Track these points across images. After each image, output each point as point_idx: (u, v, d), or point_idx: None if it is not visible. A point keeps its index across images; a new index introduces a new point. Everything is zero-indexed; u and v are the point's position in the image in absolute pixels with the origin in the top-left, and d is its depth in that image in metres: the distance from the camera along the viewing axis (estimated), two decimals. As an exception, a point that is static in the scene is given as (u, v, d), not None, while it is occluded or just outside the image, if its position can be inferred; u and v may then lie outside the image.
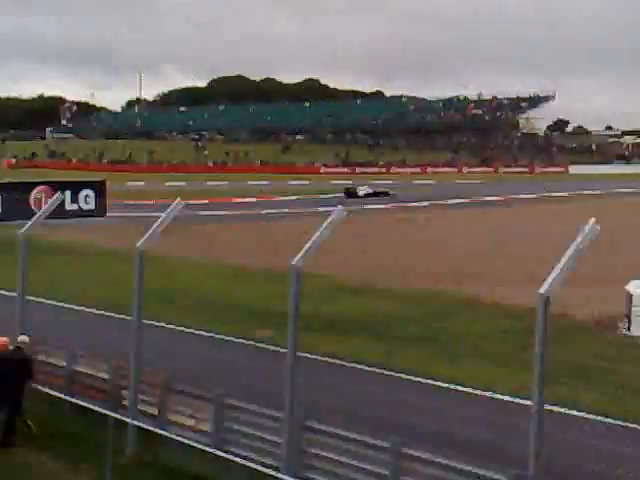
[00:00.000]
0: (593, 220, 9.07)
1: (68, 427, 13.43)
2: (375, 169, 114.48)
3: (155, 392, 13.30)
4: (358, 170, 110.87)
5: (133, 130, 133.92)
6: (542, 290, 8.88)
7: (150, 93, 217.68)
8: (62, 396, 14.20)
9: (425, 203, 62.08)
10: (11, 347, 13.55)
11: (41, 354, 14.93)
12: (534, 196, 70.77)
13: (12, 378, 13.05)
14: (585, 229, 9.09)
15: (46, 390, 14.24)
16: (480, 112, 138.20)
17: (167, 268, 27.72)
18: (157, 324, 19.43)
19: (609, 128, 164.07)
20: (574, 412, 14.26)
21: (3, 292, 21.64)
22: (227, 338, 19.55)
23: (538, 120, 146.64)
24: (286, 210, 54.80)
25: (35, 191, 42.32)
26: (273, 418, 11.74)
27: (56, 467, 12.11)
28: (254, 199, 64.17)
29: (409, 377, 16.26)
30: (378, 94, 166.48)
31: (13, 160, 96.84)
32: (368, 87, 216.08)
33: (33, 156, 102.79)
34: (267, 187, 79.75)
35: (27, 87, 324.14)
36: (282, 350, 16.64)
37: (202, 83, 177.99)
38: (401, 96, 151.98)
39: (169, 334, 19.83)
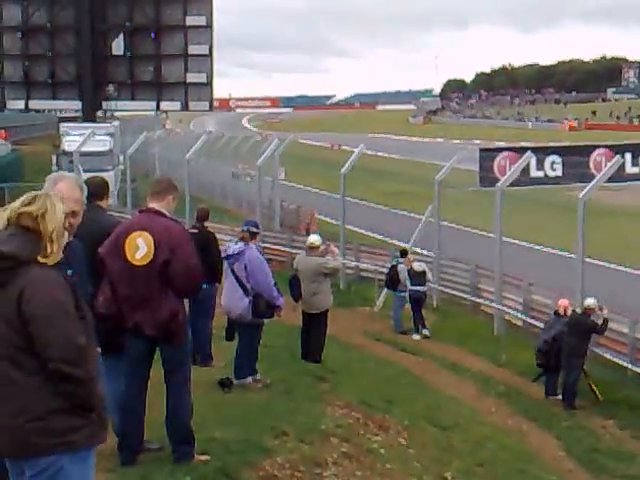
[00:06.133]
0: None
1: (631, 396, 13.38)
2: None
3: None
4: None
5: None
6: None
7: None
8: (624, 363, 14.12)
9: None
10: (577, 310, 13.79)
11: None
12: None
13: (578, 343, 13.27)
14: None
15: (608, 356, 14.29)
16: None
17: None
18: None
19: None
20: None
21: (562, 253, 22.08)
22: None
23: None
24: None
25: (595, 154, 42.32)
26: None
27: (623, 435, 12.16)
28: None
29: None
30: None
31: (575, 122, 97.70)
32: None
33: (594, 114, 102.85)
34: None
35: (588, 49, 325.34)
36: None
37: None
38: None
39: None
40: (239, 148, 37.19)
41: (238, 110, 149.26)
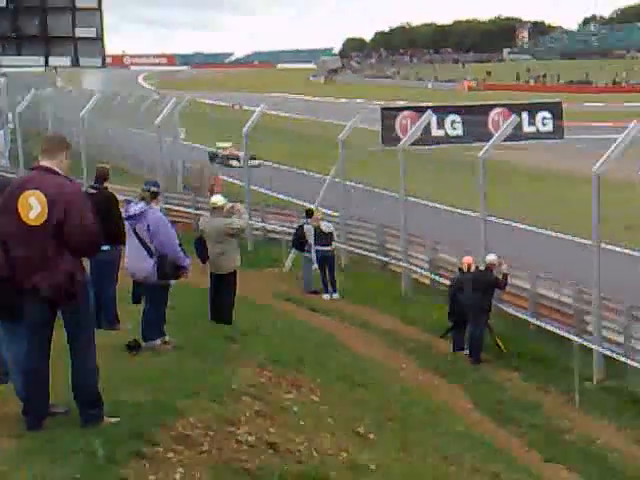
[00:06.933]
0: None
1: (533, 349, 13.73)
2: None
3: (619, 319, 12.97)
4: None
5: (589, 49, 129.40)
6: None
7: (607, 10, 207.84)
8: (527, 317, 14.46)
9: None
10: (480, 267, 14.03)
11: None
12: None
13: (482, 298, 13.55)
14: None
15: (511, 310, 14.60)
16: None
17: (625, 192, 26.49)
18: (617, 249, 18.80)
19: None
20: None
21: (463, 212, 22.43)
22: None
23: None
24: None
25: (493, 113, 42.92)
26: None
27: (527, 386, 12.48)
28: None
29: None
30: None
31: (473, 82, 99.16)
32: None
33: (489, 75, 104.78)
34: None
35: (484, 8, 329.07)
36: None
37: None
38: None
39: (630, 260, 19.07)
40: (136, 107, 36.31)
41: (133, 67, 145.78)
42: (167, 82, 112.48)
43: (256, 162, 32.43)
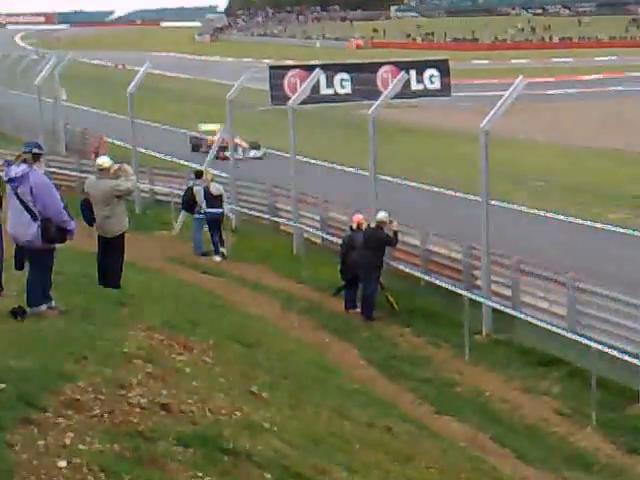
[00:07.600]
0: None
1: (425, 305, 13.96)
2: None
3: (507, 274, 13.29)
4: None
5: (475, 6, 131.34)
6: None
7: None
8: (418, 274, 14.65)
9: None
10: (371, 224, 14.10)
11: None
12: None
13: (374, 256, 13.66)
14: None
15: (402, 267, 14.76)
16: None
17: (511, 149, 27.19)
18: (505, 205, 19.27)
19: None
20: None
21: (353, 170, 22.55)
22: (579, 222, 19.00)
23: None
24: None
25: (381, 71, 42.81)
26: (629, 304, 11.31)
27: (418, 341, 12.69)
28: (601, 76, 60.44)
29: None
30: None
31: (361, 41, 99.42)
32: None
33: (375, 32, 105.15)
34: (615, 63, 74.65)
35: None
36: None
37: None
38: None
39: (518, 216, 19.59)
40: (14, 67, 34.93)
41: (9, 27, 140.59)
42: (46, 41, 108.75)
43: (259, 152, 27.61)
